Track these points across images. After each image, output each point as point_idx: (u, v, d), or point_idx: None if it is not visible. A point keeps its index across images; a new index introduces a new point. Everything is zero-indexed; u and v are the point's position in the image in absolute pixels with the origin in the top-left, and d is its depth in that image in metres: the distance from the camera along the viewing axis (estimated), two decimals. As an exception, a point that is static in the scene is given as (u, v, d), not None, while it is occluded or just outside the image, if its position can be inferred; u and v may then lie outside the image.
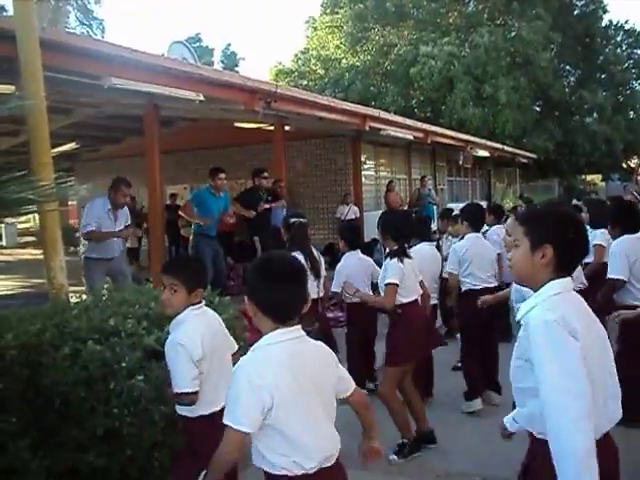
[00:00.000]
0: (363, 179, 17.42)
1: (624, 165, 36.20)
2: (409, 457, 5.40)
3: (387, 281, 5.38)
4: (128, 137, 13.63)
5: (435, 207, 17.74)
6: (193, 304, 3.52)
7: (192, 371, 3.35)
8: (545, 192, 34.65)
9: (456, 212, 8.24)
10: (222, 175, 10.22)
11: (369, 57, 33.19)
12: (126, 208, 8.74)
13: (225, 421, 2.56)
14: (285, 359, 2.61)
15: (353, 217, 15.89)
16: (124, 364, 3.88)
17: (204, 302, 3.64)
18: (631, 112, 34.42)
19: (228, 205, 10.66)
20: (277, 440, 2.58)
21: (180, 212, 10.30)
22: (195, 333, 3.41)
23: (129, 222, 8.82)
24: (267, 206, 11.54)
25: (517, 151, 25.77)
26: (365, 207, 17.02)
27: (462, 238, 6.93)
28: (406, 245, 5.61)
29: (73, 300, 4.96)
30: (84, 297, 4.97)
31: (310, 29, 38.04)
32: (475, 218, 6.85)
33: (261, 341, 2.67)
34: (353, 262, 6.68)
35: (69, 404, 3.82)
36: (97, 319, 4.26)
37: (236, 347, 3.80)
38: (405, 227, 5.75)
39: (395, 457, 5.36)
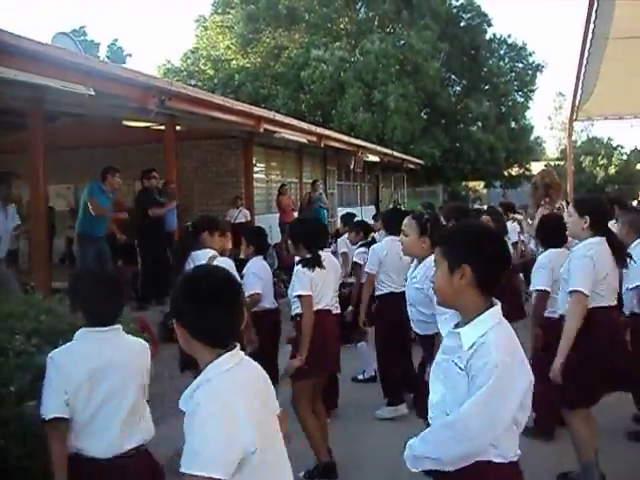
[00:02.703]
0: (254, 182, 17.13)
1: (506, 173, 37.36)
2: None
3: (298, 293, 5.13)
4: (9, 133, 12.80)
5: (326, 211, 17.68)
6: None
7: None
8: (430, 198, 35.28)
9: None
10: (117, 175, 9.75)
11: (260, 59, 32.97)
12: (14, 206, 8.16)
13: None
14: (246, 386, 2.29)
15: (244, 220, 15.61)
16: (12, 388, 3.43)
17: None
18: (513, 122, 35.65)
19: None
20: None
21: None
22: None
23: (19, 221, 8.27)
24: (171, 207, 11.13)
25: (406, 157, 26.16)
26: (256, 210, 16.74)
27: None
28: (319, 253, 5.38)
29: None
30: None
31: (200, 28, 37.36)
32: (393, 223, 6.78)
33: (209, 372, 2.28)
34: (262, 268, 6.38)
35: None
36: (-22, 335, 3.75)
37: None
38: (318, 235, 5.52)
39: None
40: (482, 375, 2.32)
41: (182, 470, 2.06)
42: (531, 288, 5.79)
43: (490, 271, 2.47)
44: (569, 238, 5.63)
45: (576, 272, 4.58)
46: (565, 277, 4.76)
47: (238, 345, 2.36)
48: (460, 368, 2.41)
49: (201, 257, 5.53)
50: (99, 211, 9.54)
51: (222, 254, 5.92)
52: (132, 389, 3.15)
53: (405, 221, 5.25)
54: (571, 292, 4.56)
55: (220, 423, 2.10)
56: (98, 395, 3.04)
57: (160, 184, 11.63)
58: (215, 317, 2.28)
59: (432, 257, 4.64)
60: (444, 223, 7.03)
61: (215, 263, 5.37)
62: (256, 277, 6.21)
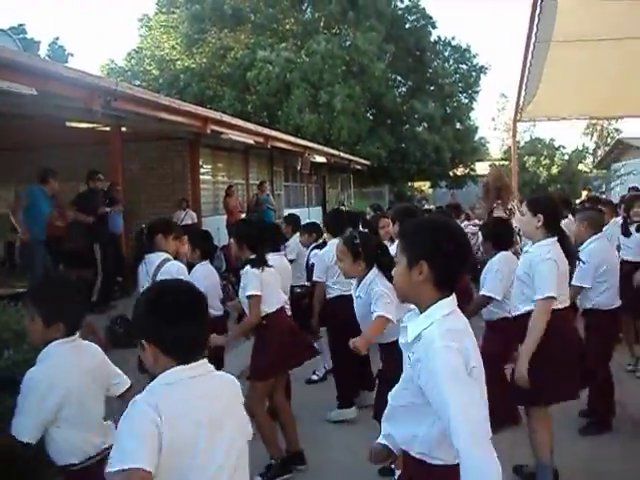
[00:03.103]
0: (201, 183, 16.97)
1: (451, 173, 37.78)
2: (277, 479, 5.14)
3: (248, 293, 5.10)
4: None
5: (273, 212, 17.63)
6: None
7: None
8: (376, 198, 35.48)
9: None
10: (55, 177, 9.57)
11: (205, 59, 32.67)
12: None
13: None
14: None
15: (190, 222, 15.45)
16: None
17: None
18: (458, 123, 36.12)
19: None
20: None
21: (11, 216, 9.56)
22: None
23: None
24: (108, 210, 10.94)
25: (352, 158, 26.24)
26: (203, 212, 16.59)
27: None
28: (264, 253, 5.35)
29: None
30: None
31: (144, 28, 36.88)
32: (339, 224, 6.79)
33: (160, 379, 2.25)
34: (208, 274, 6.30)
35: None
36: None
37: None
38: (262, 235, 5.49)
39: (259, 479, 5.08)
40: (428, 366, 2.30)
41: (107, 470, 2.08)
42: (480, 292, 5.80)
43: (448, 268, 2.45)
44: (519, 240, 5.69)
45: (543, 277, 4.59)
46: (525, 280, 4.78)
47: (205, 359, 2.34)
48: (410, 360, 2.41)
49: (154, 260, 5.45)
50: (41, 215, 9.38)
51: (176, 257, 5.83)
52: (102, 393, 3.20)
53: (338, 247, 5.17)
54: (542, 298, 4.58)
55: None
56: (84, 403, 3.05)
57: (106, 186, 11.46)
58: (188, 332, 2.26)
59: (370, 275, 4.72)
60: (391, 225, 7.07)
61: (167, 265, 5.32)
62: (203, 282, 6.15)
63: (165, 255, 5.55)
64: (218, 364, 5.63)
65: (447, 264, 2.44)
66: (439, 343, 2.30)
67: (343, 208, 22.11)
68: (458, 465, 2.26)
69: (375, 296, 4.73)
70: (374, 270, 4.83)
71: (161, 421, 2.09)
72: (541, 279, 4.60)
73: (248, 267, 5.20)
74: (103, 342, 7.61)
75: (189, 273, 6.11)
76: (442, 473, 2.40)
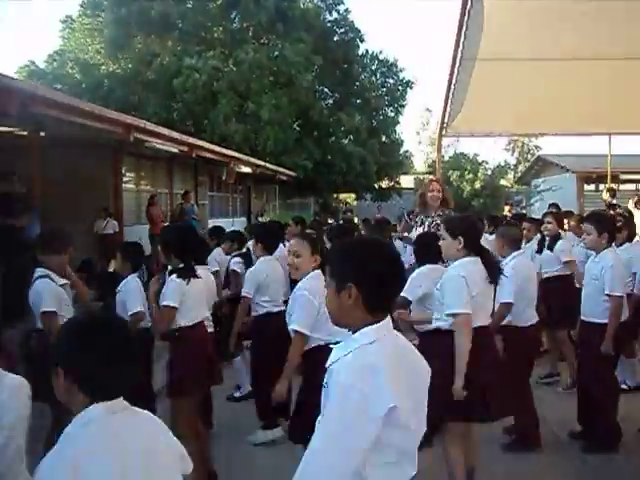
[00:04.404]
0: (124, 192, 16.59)
1: (376, 186, 38.08)
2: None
3: (164, 302, 4.93)
4: None
5: (197, 223, 17.39)
6: None
7: None
8: (302, 209, 35.50)
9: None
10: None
11: (131, 65, 32.04)
12: None
13: None
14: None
15: (112, 232, 15.13)
16: None
17: None
18: (384, 136, 36.44)
19: None
20: None
21: None
22: None
23: None
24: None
25: (278, 168, 26.14)
26: (125, 221, 16.21)
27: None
28: (193, 263, 5.18)
29: None
30: None
31: (67, 30, 36.03)
32: (271, 239, 6.65)
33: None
34: (137, 286, 6.09)
35: None
36: None
37: None
38: (192, 243, 5.32)
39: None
40: (330, 396, 2.19)
41: None
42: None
43: (378, 290, 2.32)
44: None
45: (451, 294, 4.61)
46: (438, 297, 4.78)
47: (121, 398, 2.19)
48: (326, 387, 2.28)
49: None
50: None
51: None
52: None
53: (294, 242, 5.09)
54: (452, 314, 4.58)
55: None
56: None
57: (24, 189, 11.08)
58: (113, 372, 2.14)
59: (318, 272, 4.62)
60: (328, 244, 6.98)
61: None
62: (137, 295, 5.98)
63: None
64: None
65: (377, 285, 2.31)
66: (343, 379, 2.17)
67: (261, 220, 22.20)
68: None
69: (294, 302, 4.69)
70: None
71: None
72: (449, 296, 4.63)
73: (173, 276, 5.03)
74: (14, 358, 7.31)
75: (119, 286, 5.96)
76: None
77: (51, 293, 5.06)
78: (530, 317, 6.25)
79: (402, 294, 5.64)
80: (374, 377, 2.15)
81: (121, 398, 2.18)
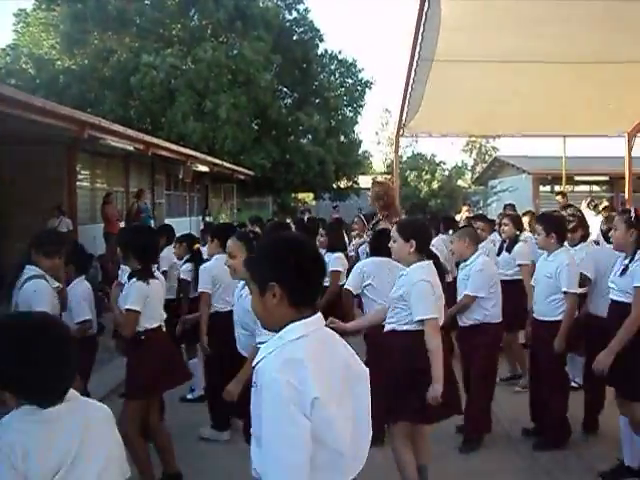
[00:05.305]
0: (78, 190, 16.32)
1: (335, 185, 38.13)
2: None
3: (127, 306, 4.86)
4: None
5: (152, 222, 17.21)
6: None
7: None
8: (260, 208, 35.42)
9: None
10: None
11: (87, 61, 31.63)
12: None
13: None
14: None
15: (65, 230, 14.86)
16: None
17: None
18: (342, 136, 36.57)
19: None
20: None
21: None
22: None
23: None
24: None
25: (236, 167, 26.05)
26: (79, 220, 15.93)
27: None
28: (152, 264, 5.12)
29: None
30: None
31: (22, 24, 35.42)
32: (226, 237, 6.59)
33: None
34: (86, 291, 5.98)
35: None
36: None
37: None
38: (151, 244, 5.24)
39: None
40: (261, 395, 2.16)
41: None
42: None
43: (301, 285, 2.30)
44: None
45: (418, 300, 4.61)
46: (401, 302, 4.77)
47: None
48: (256, 387, 2.25)
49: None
50: None
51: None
52: None
53: (230, 242, 5.09)
54: (423, 320, 4.59)
55: None
56: None
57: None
58: (51, 377, 2.12)
59: None
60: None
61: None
62: (84, 302, 5.88)
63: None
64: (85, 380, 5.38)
65: (298, 280, 2.29)
66: (270, 375, 2.15)
67: (208, 219, 22.13)
68: None
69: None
70: None
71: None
72: (417, 302, 4.62)
73: (135, 279, 4.95)
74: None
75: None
76: None
77: (48, 295, 4.95)
78: (499, 314, 6.38)
79: (346, 286, 5.94)
80: (299, 370, 2.14)
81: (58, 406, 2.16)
